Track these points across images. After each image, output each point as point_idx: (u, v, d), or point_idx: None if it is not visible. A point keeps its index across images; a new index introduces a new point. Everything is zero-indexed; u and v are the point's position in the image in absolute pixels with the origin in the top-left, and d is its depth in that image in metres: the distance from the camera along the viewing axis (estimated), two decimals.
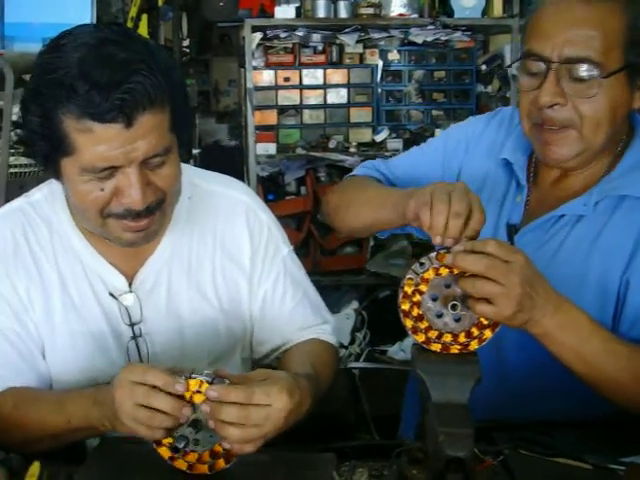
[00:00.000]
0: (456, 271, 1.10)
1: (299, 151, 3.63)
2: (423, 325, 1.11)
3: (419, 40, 3.70)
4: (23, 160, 2.35)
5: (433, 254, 1.11)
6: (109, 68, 1.09)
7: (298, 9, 3.49)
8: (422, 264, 1.11)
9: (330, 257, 3.76)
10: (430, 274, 1.11)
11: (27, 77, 2.70)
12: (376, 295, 3.71)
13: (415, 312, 1.11)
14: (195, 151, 4.12)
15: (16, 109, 2.46)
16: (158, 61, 1.16)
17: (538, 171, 1.42)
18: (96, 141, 1.12)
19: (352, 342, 3.49)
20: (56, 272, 1.32)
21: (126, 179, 1.16)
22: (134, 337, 1.35)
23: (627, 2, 1.26)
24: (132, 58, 1.12)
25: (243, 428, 1.05)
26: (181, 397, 1.07)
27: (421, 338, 1.11)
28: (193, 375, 1.08)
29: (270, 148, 3.58)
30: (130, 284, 1.35)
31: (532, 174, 1.42)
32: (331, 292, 3.48)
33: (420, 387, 1.12)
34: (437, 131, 3.68)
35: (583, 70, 1.24)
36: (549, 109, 1.27)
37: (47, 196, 1.36)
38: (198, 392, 1.07)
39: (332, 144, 3.67)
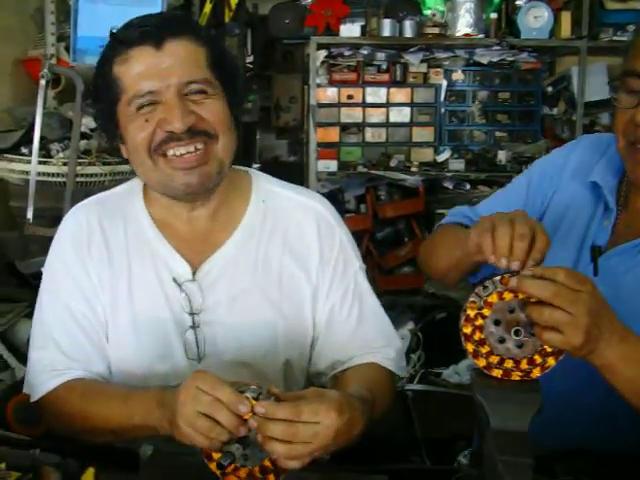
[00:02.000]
0: (521, 296, 1.07)
1: (360, 169, 3.61)
2: (484, 350, 1.09)
3: (484, 60, 3.66)
4: (89, 170, 2.40)
5: (497, 277, 1.08)
6: (151, 15, 1.33)
7: (363, 27, 3.49)
8: (486, 287, 1.08)
9: (388, 276, 3.74)
10: (494, 298, 1.08)
11: None
12: (433, 316, 3.66)
13: (477, 336, 1.09)
14: (255, 165, 4.16)
15: (85, 120, 2.52)
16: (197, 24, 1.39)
17: (629, 195, 1.38)
18: (132, 66, 1.27)
19: (406, 363, 3.44)
20: (126, 258, 1.38)
21: (165, 105, 1.26)
22: (193, 326, 1.37)
23: None
24: (174, 14, 1.37)
25: (289, 444, 1.04)
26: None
27: (482, 363, 1.09)
28: (241, 388, 1.08)
29: (331, 165, 3.57)
30: (194, 274, 1.37)
31: (622, 198, 1.38)
32: (387, 312, 3.43)
33: (478, 413, 1.09)
34: (500, 153, 3.64)
35: None
36: None
37: (126, 189, 1.46)
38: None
39: (393, 163, 3.63)
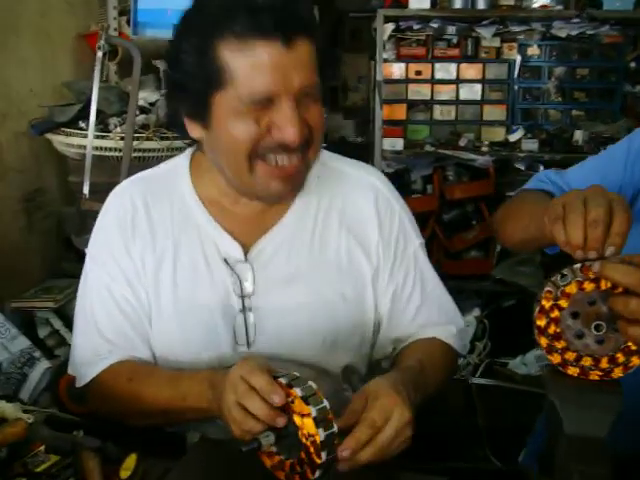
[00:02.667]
0: (604, 287, 0.95)
1: (427, 148, 3.49)
2: (560, 345, 0.99)
3: (562, 34, 3.45)
4: (147, 145, 2.37)
5: (577, 265, 0.96)
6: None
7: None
8: (564, 276, 0.97)
9: (454, 260, 3.61)
10: (572, 288, 0.97)
11: (157, 63, 2.74)
12: (500, 304, 3.52)
13: (552, 329, 0.99)
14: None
15: (143, 94, 2.48)
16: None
17: None
18: (254, 63, 1.10)
19: (471, 351, 3.32)
20: (171, 239, 1.32)
21: (282, 112, 1.13)
22: (243, 310, 1.30)
23: None
24: None
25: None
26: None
27: (556, 359, 0.99)
28: (275, 374, 1.02)
29: (397, 143, 3.46)
30: (246, 254, 1.31)
31: None
32: (452, 297, 3.33)
33: (550, 415, 1.01)
34: (577, 132, 3.46)
35: None
36: None
37: (171, 167, 1.38)
38: (292, 402, 0.98)
39: (462, 142, 3.51)
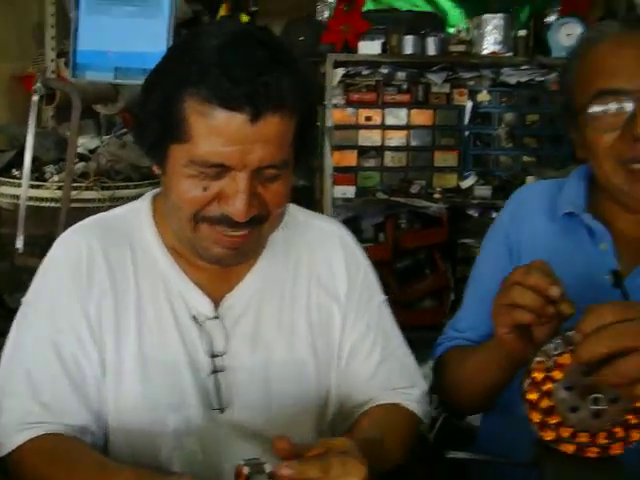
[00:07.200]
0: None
1: (379, 195, 3.43)
2: (553, 420, 0.88)
3: (512, 80, 3.47)
4: (87, 195, 2.23)
5: (571, 333, 0.86)
6: (246, 60, 1.03)
7: (384, 45, 3.33)
8: (557, 345, 0.87)
9: (407, 310, 3.53)
10: (566, 359, 0.87)
11: (97, 107, 2.61)
12: None
13: (544, 404, 0.88)
14: None
15: (82, 140, 2.34)
16: (296, 68, 1.08)
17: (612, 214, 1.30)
18: (215, 130, 1.03)
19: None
20: (134, 291, 1.18)
21: (234, 184, 1.06)
22: (215, 371, 1.18)
23: None
24: (272, 57, 1.04)
25: None
26: None
27: (550, 436, 0.89)
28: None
29: (349, 191, 3.41)
30: (215, 309, 1.20)
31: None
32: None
33: None
34: (528, 179, 3.44)
35: None
36: None
37: (131, 211, 1.25)
38: None
39: (414, 189, 3.47)
